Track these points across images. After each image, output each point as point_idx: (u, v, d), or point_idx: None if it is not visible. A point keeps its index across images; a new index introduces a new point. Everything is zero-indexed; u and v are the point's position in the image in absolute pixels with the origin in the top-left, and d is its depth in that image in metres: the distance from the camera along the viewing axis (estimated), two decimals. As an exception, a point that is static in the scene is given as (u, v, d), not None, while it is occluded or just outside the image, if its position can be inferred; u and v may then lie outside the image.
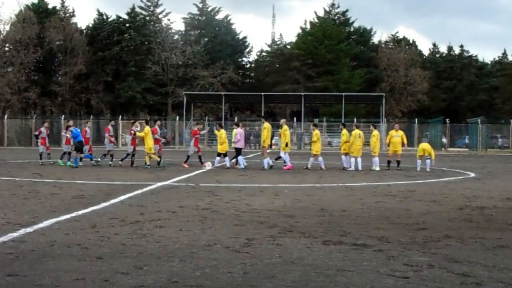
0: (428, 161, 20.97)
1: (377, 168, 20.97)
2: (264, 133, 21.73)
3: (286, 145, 21.43)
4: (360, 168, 20.89)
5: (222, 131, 21.82)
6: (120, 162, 21.76)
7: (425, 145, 21.36)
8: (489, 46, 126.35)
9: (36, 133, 23.77)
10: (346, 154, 21.54)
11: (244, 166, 21.04)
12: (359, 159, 21.14)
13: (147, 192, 12.62)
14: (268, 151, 22.39)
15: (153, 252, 6.27)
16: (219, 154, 21.47)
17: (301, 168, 21.36)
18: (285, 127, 21.75)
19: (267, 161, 21.10)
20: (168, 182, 14.96)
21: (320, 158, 21.46)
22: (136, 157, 22.05)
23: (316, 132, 22.01)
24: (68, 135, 21.85)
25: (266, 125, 21.78)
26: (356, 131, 21.75)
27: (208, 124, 45.99)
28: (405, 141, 22.37)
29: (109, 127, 23.46)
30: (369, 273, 5.47)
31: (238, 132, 21.73)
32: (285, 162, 21.30)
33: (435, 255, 6.28)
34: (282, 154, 21.44)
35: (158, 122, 24.78)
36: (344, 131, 22.10)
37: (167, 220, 8.49)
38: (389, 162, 21.75)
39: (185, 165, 21.36)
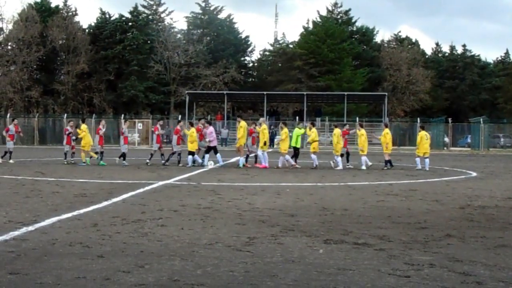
0: (427, 160, 20.99)
1: (364, 168, 20.92)
2: (240, 132, 21.87)
3: (265, 143, 21.57)
4: (341, 166, 21.05)
5: (192, 129, 21.78)
6: (164, 163, 21.69)
7: (427, 145, 21.32)
8: (491, 45, 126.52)
9: (70, 130, 23.21)
10: (314, 153, 21.55)
11: (209, 164, 21.09)
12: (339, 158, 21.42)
13: (149, 190, 12.63)
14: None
15: (155, 250, 6.29)
16: (190, 153, 21.49)
17: (307, 167, 21.36)
18: (264, 126, 21.91)
19: (242, 160, 21.40)
20: (170, 181, 14.98)
21: (287, 157, 21.40)
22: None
23: (285, 130, 21.96)
24: (101, 134, 22.51)
25: (243, 123, 22.06)
26: (338, 131, 21.77)
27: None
28: (388, 139, 21.74)
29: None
30: (370, 272, 5.47)
31: (212, 130, 21.96)
32: (258, 160, 21.57)
33: (436, 254, 6.28)
34: (259, 153, 21.58)
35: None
36: (313, 129, 22.03)
37: (168, 218, 8.50)
38: (389, 161, 21.72)
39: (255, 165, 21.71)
